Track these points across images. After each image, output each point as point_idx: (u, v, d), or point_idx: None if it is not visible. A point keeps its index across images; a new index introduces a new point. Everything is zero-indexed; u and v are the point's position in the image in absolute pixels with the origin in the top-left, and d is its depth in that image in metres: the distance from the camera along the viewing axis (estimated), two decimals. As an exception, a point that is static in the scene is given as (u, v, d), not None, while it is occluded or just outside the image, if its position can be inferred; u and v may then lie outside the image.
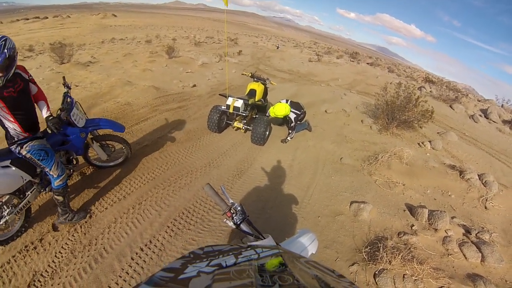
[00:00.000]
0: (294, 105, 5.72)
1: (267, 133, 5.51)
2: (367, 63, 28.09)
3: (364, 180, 4.48)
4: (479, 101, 14.92)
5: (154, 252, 2.79)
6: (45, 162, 2.72)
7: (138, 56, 13.94)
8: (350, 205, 3.78)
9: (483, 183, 4.67)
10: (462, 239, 3.31)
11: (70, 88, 3.35)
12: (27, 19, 43.37)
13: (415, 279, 2.61)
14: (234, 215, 1.31)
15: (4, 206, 2.70)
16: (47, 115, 2.89)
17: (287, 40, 43.64)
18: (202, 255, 0.63)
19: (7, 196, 2.72)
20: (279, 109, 5.38)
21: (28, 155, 2.64)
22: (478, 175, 4.79)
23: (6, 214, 2.69)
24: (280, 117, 5.67)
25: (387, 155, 4.97)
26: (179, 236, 3.03)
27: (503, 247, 3.44)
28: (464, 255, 3.09)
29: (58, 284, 2.44)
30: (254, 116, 6.03)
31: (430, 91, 14.78)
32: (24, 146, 2.62)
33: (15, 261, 2.63)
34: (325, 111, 7.83)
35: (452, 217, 3.71)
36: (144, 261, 2.69)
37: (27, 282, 2.45)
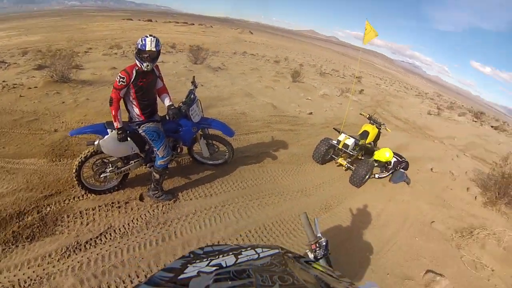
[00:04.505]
0: (397, 154, 5.73)
1: (367, 177, 5.20)
2: (492, 126, 23.42)
3: (449, 252, 3.92)
4: None
5: (218, 255, 2.81)
6: (155, 142, 3.20)
7: (263, 73, 14.96)
8: (425, 273, 3.38)
9: None
10: None
11: (196, 87, 3.85)
12: (177, 23, 51.38)
13: None
14: (317, 248, 1.29)
15: (110, 164, 3.30)
16: (170, 103, 3.41)
17: (410, 87, 40.23)
18: (202, 255, 0.64)
19: (115, 158, 3.29)
20: (383, 154, 5.30)
21: (143, 134, 3.18)
22: None
23: (108, 171, 3.27)
24: (382, 162, 5.49)
25: (485, 232, 4.38)
26: (247, 248, 2.99)
27: None
28: None
29: (124, 244, 2.80)
30: (360, 158, 5.77)
31: None
32: (142, 126, 3.17)
33: (99, 210, 3.16)
34: (431, 169, 6.97)
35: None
36: (206, 259, 2.73)
37: (100, 231, 2.89)
